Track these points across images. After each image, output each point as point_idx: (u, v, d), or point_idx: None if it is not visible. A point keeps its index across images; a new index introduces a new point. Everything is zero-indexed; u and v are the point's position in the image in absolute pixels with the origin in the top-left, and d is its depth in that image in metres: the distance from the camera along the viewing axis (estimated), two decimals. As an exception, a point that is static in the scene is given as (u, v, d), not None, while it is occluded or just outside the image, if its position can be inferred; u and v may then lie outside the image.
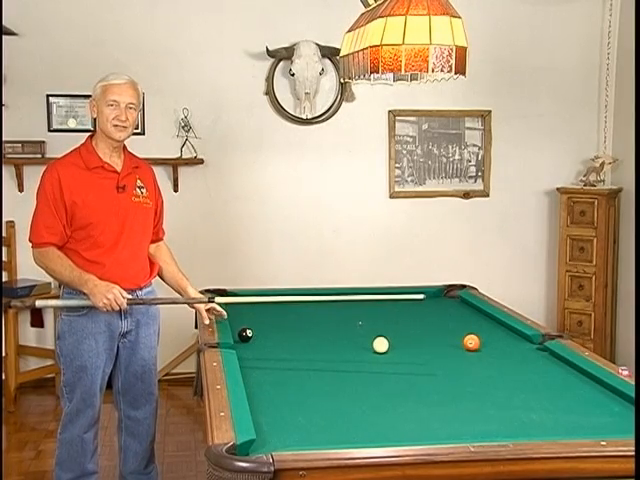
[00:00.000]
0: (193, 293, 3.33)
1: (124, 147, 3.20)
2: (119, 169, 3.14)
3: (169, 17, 5.00)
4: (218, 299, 3.31)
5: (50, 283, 4.69)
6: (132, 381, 3.26)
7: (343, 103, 5.22)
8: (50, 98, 4.93)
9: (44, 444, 4.20)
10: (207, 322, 3.27)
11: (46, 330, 5.08)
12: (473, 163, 5.43)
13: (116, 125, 3.06)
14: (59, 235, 3.06)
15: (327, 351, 3.13)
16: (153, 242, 3.33)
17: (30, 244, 3.11)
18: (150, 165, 3.38)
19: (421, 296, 3.20)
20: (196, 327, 3.35)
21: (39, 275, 4.76)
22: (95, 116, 3.12)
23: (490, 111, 5.37)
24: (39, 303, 3.10)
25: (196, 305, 3.31)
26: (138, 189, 3.18)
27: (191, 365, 4.52)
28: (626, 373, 2.68)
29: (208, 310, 3.29)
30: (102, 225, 3.07)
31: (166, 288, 3.42)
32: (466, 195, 5.42)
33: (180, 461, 4.03)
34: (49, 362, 4.98)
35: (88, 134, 3.27)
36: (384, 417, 2.39)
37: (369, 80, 3.03)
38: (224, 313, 3.31)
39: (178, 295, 3.36)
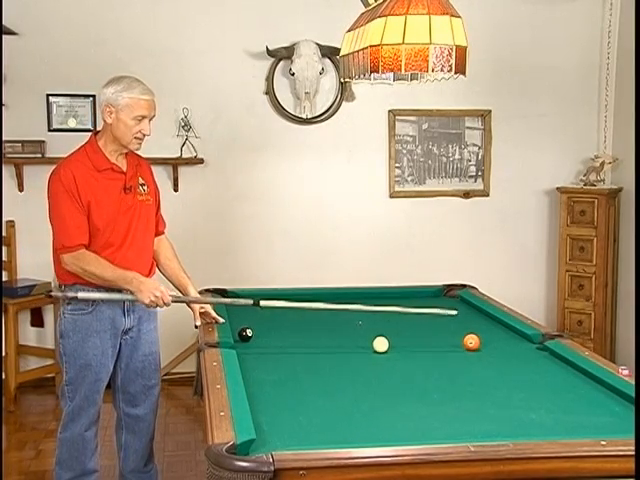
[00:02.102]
0: (193, 293, 3.34)
1: None
2: (125, 169, 3.15)
3: (169, 16, 5.00)
4: (263, 303, 3.25)
5: (50, 282, 4.69)
6: (132, 377, 3.26)
7: (343, 103, 5.22)
8: (50, 98, 4.92)
9: (44, 444, 4.20)
10: (198, 323, 3.29)
11: (46, 330, 5.08)
12: (473, 163, 5.43)
13: (138, 138, 3.07)
14: (87, 234, 3.03)
15: (327, 351, 3.13)
16: (155, 236, 3.32)
17: (60, 250, 3.03)
18: (147, 160, 3.37)
19: (454, 312, 3.18)
20: (196, 327, 3.36)
21: (39, 275, 4.81)
22: (110, 122, 3.05)
23: (490, 111, 5.37)
24: (81, 295, 3.06)
25: (192, 305, 3.32)
26: (141, 187, 3.19)
27: (191, 365, 4.52)
28: (626, 373, 2.68)
29: (202, 313, 3.32)
30: (112, 226, 3.07)
31: (167, 285, 3.41)
32: (466, 195, 5.42)
33: (180, 460, 4.03)
34: (49, 362, 4.98)
35: (89, 133, 3.24)
36: (384, 417, 2.39)
37: (369, 80, 3.03)
38: (220, 320, 3.33)
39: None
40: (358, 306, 3.26)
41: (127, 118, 3.03)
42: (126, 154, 3.17)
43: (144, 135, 3.08)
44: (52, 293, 3.18)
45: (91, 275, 3.03)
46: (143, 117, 3.05)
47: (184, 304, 3.33)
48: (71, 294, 3.05)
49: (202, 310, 3.32)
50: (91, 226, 3.04)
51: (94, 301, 3.09)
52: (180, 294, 3.34)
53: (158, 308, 3.12)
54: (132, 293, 3.04)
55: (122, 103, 3.02)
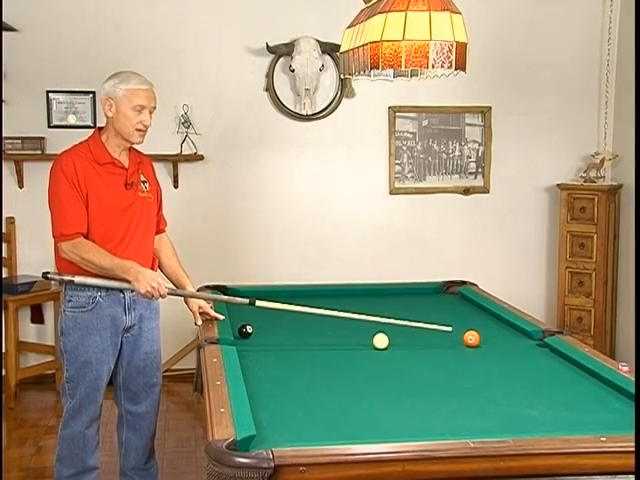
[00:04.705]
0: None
1: None
2: (127, 165, 3.15)
3: (169, 13, 5.00)
4: (258, 303, 3.26)
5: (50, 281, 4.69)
6: (134, 375, 3.26)
7: (343, 99, 5.22)
8: (50, 94, 4.92)
9: (44, 440, 4.20)
10: (200, 323, 3.30)
11: (46, 326, 5.08)
12: (473, 159, 5.43)
13: (139, 129, 3.07)
14: (85, 224, 3.04)
15: (327, 347, 3.13)
16: (155, 234, 3.32)
17: (58, 238, 3.04)
18: (149, 158, 3.37)
19: (449, 329, 3.18)
20: (196, 323, 3.36)
21: (39, 271, 4.77)
22: (111, 115, 3.07)
23: (490, 107, 5.37)
24: (78, 279, 3.06)
25: (191, 305, 3.33)
26: (142, 184, 3.20)
27: (191, 361, 4.53)
28: (626, 369, 2.69)
29: (201, 313, 3.33)
30: (111, 220, 3.07)
31: (166, 281, 3.42)
32: (466, 191, 5.42)
33: (180, 457, 4.03)
34: (49, 358, 4.99)
35: (91, 129, 3.26)
36: (384, 413, 2.39)
37: (369, 76, 3.03)
38: (219, 317, 3.34)
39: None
40: (352, 314, 3.23)
41: (126, 109, 3.04)
42: (129, 150, 3.17)
43: (145, 126, 3.08)
44: (49, 275, 3.15)
45: (89, 263, 3.02)
46: (142, 107, 3.05)
47: (183, 302, 3.34)
48: (68, 277, 3.05)
49: (201, 310, 3.34)
50: (89, 218, 3.04)
51: (94, 299, 3.09)
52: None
53: (153, 299, 3.12)
54: (129, 282, 3.04)
55: (120, 95, 3.04)
